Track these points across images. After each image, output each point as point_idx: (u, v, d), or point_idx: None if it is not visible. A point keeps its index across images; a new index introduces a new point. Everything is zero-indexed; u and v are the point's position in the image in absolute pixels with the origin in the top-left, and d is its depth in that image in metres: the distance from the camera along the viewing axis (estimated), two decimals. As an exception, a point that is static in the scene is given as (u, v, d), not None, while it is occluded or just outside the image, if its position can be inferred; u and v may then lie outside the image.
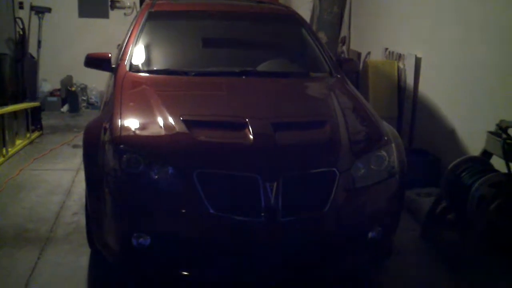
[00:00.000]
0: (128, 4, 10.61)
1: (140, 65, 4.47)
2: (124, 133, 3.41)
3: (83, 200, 4.01)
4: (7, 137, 6.54)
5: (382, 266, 4.04)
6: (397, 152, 3.64)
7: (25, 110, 7.44)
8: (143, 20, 4.87)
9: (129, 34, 4.82)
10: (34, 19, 9.50)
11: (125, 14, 10.57)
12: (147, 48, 4.68)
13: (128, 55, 4.50)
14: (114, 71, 4.46)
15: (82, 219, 4.36)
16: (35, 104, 7.99)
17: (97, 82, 9.78)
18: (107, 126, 3.52)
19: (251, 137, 3.35)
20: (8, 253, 4.08)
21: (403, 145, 3.88)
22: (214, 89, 4.26)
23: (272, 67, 4.68)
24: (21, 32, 8.80)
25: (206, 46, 5.03)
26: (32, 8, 9.49)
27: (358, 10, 8.70)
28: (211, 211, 3.11)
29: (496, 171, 4.18)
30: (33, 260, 3.97)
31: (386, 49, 7.17)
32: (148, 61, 4.60)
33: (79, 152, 5.26)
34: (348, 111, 3.98)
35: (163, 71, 4.44)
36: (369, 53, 7.99)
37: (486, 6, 4.97)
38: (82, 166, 3.68)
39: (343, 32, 9.15)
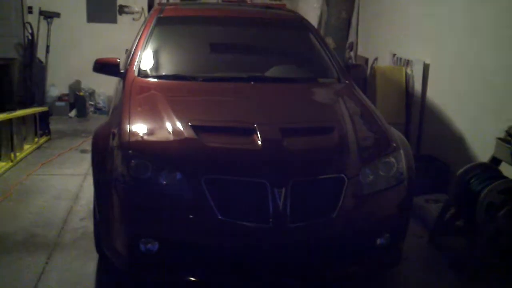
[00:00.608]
0: (137, 9, 10.63)
1: (148, 71, 4.47)
2: (132, 139, 3.41)
3: (91, 205, 4.02)
4: (15, 142, 6.56)
5: (389, 272, 4.03)
6: (405, 158, 3.63)
7: (33, 115, 7.46)
8: (152, 25, 4.89)
9: (137, 39, 4.83)
10: (43, 24, 9.55)
11: (133, 19, 10.59)
12: (156, 54, 4.69)
13: (136, 60, 4.51)
14: (122, 76, 4.48)
15: (89, 225, 4.36)
16: (43, 109, 8.02)
17: (105, 87, 9.79)
18: (116, 131, 3.53)
19: (260, 142, 3.35)
20: (16, 258, 4.09)
21: (411, 152, 3.87)
22: (222, 94, 4.27)
23: (280, 73, 4.68)
24: (29, 37, 8.87)
25: (214, 52, 5.03)
26: (41, 13, 9.55)
27: (366, 16, 8.70)
28: (219, 217, 3.11)
29: (505, 177, 4.16)
30: (41, 265, 3.97)
31: (394, 55, 7.16)
32: (156, 66, 4.61)
33: (87, 157, 5.29)
34: (356, 117, 3.97)
35: (171, 76, 4.45)
36: (376, 58, 7.98)
37: (495, 12, 4.96)
38: (90, 171, 3.69)
39: (351, 38, 9.16)
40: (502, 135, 4.27)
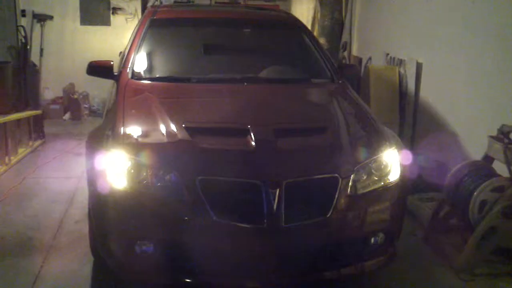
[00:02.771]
0: (130, 11, 10.63)
1: (142, 73, 4.47)
2: (127, 141, 3.42)
3: (86, 208, 4.01)
4: (9, 146, 6.55)
5: (384, 270, 4.04)
6: (399, 157, 3.64)
7: (28, 118, 7.46)
8: (145, 27, 4.88)
9: (131, 42, 4.83)
10: (36, 27, 9.55)
11: (127, 21, 10.60)
12: (149, 56, 4.69)
13: (130, 62, 4.50)
14: (116, 78, 4.47)
15: (85, 227, 4.36)
16: (37, 112, 8.01)
17: (99, 89, 9.80)
18: (110, 133, 3.53)
19: (253, 143, 3.35)
20: (11, 261, 4.09)
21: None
22: (216, 96, 4.27)
23: (274, 74, 4.69)
24: (23, 40, 8.84)
25: (208, 53, 5.02)
26: (34, 16, 9.55)
27: (359, 16, 8.71)
28: (214, 218, 3.11)
29: (498, 175, 4.18)
30: (36, 268, 3.97)
31: (387, 54, 7.19)
32: (150, 68, 4.61)
33: (82, 159, 5.26)
34: (350, 117, 3.98)
35: (165, 78, 4.45)
36: (370, 58, 8.00)
37: (487, 12, 4.98)
38: (85, 174, 3.68)
39: (344, 38, 9.18)
40: (495, 133, 4.29)
